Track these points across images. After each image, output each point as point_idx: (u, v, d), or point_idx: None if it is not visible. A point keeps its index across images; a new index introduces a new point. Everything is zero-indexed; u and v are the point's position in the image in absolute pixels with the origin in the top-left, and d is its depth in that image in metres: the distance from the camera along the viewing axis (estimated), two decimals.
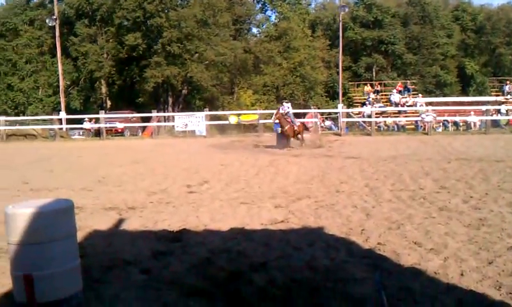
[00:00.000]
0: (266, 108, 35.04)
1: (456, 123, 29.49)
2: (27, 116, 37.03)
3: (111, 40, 41.24)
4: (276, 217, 7.30)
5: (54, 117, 27.75)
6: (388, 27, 48.26)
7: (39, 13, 42.98)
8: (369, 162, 13.54)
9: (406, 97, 34.84)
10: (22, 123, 30.50)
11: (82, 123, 29.32)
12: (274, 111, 19.72)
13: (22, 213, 3.86)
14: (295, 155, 15.96)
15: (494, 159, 13.33)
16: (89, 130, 29.01)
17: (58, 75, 34.37)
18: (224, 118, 27.71)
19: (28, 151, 19.66)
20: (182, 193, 9.49)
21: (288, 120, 18.19)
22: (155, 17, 37.84)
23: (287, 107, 18.71)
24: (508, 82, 35.87)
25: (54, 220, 3.91)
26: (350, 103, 38.30)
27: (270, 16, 51.15)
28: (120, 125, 28.40)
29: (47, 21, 36.00)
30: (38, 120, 30.19)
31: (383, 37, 48.04)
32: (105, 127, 26.38)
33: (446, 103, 33.33)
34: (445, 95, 43.79)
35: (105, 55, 40.90)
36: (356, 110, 32.29)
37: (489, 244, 5.74)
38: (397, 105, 33.10)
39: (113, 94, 43.84)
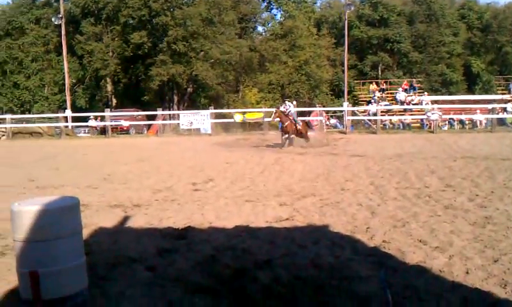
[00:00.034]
0: (271, 106, 34.92)
1: (461, 121, 29.33)
2: (33, 114, 37.24)
3: (116, 38, 41.26)
4: (281, 214, 7.30)
5: (60, 115, 27.90)
6: (394, 25, 48.01)
7: (45, 12, 43.08)
8: (374, 160, 13.51)
9: (411, 95, 34.73)
10: (27, 121, 30.74)
11: (87, 121, 29.42)
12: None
13: (28, 210, 3.86)
14: (300, 153, 15.94)
15: (500, 157, 13.28)
16: (95, 128, 29.06)
17: (64, 73, 34.43)
18: (230, 116, 27.76)
19: (34, 149, 19.76)
20: (187, 191, 9.51)
21: (290, 118, 18.12)
22: (160, 15, 37.85)
23: (288, 106, 18.62)
24: None
25: (59, 217, 3.92)
26: (355, 102, 38.23)
27: (275, 15, 51.26)
28: (125, 123, 28.42)
29: (53, 19, 36.11)
30: (43, 118, 30.23)
31: (389, 35, 47.80)
32: (111, 125, 26.50)
33: (452, 102, 33.13)
34: (450, 93, 43.52)
35: (110, 54, 40.94)
36: (361, 108, 32.24)
37: (495, 242, 5.72)
38: (402, 103, 33.00)
39: (119, 92, 43.92)
